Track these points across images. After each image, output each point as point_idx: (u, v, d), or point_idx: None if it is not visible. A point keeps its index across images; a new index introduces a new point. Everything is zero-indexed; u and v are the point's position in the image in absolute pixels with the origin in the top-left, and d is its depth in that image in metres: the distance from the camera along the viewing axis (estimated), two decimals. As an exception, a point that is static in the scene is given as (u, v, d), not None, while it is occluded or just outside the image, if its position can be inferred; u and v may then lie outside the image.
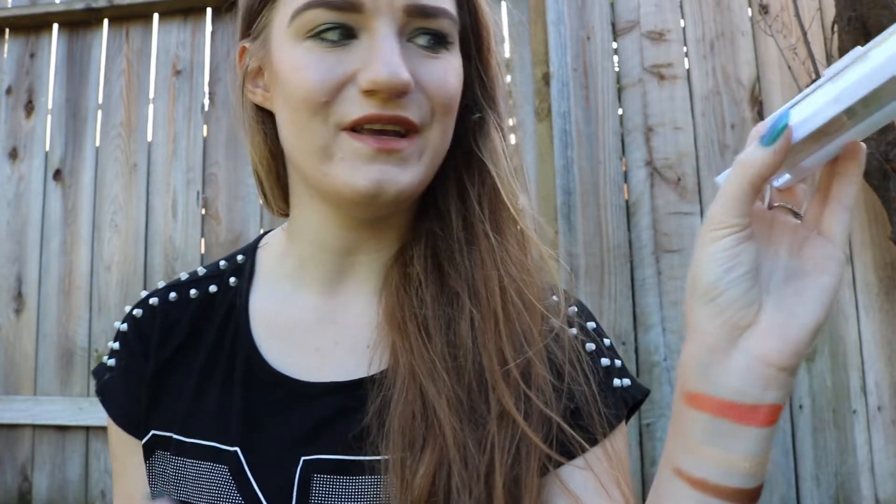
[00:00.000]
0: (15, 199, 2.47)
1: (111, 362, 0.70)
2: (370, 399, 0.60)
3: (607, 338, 0.68)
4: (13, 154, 2.49)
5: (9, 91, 2.52)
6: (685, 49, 2.15)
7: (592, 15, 2.19)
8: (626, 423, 0.66)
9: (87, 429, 2.30)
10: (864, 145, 0.46)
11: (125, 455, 0.68)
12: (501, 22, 2.19)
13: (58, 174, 2.46)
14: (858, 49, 0.42)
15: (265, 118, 0.68)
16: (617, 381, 0.65)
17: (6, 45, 2.55)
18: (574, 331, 0.65)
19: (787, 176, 0.49)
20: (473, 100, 0.66)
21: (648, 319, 2.06)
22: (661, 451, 0.52)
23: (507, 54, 2.22)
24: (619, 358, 0.68)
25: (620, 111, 2.17)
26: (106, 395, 0.70)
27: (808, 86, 0.45)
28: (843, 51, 1.86)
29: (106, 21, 2.50)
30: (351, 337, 0.65)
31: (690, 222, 2.07)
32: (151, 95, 2.45)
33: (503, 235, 0.65)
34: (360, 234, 0.66)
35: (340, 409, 0.61)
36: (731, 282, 0.45)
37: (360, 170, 0.58)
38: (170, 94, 2.44)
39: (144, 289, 0.75)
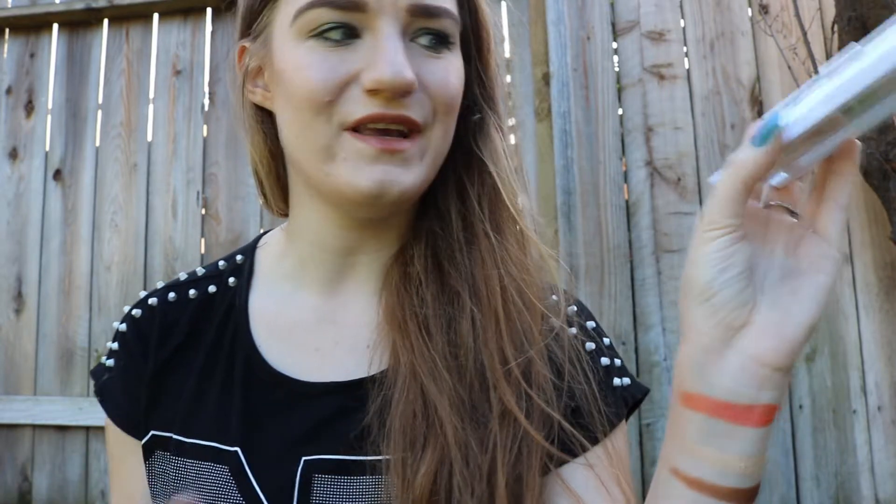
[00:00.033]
0: (15, 199, 2.47)
1: (110, 363, 0.70)
2: (371, 399, 0.60)
3: (607, 337, 0.68)
4: (13, 154, 2.49)
5: (9, 91, 2.52)
6: (685, 49, 2.15)
7: (592, 15, 2.19)
8: (626, 422, 0.66)
9: (87, 429, 2.30)
10: (858, 143, 0.46)
11: (124, 455, 0.68)
12: (501, 22, 2.19)
13: (58, 174, 2.46)
14: (855, 46, 0.42)
15: (265, 118, 0.68)
16: (617, 381, 0.65)
17: (6, 45, 2.55)
18: (574, 330, 0.65)
19: (783, 174, 0.48)
20: (473, 100, 0.66)
21: (648, 319, 2.06)
22: (660, 451, 0.53)
23: (507, 54, 2.22)
24: (618, 357, 0.68)
25: (620, 111, 2.17)
26: (105, 395, 0.70)
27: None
28: (843, 51, 1.86)
29: (106, 21, 2.50)
30: (351, 337, 0.65)
31: (690, 222, 2.07)
32: (151, 95, 2.46)
33: (503, 235, 0.65)
34: (360, 234, 0.66)
35: (341, 409, 0.61)
36: (725, 282, 0.45)
37: (363, 170, 0.58)
38: (170, 94, 2.44)
39: (144, 289, 0.75)
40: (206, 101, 2.42)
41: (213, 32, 2.45)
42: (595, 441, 0.61)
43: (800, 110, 0.44)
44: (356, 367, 0.63)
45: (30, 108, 2.51)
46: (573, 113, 2.13)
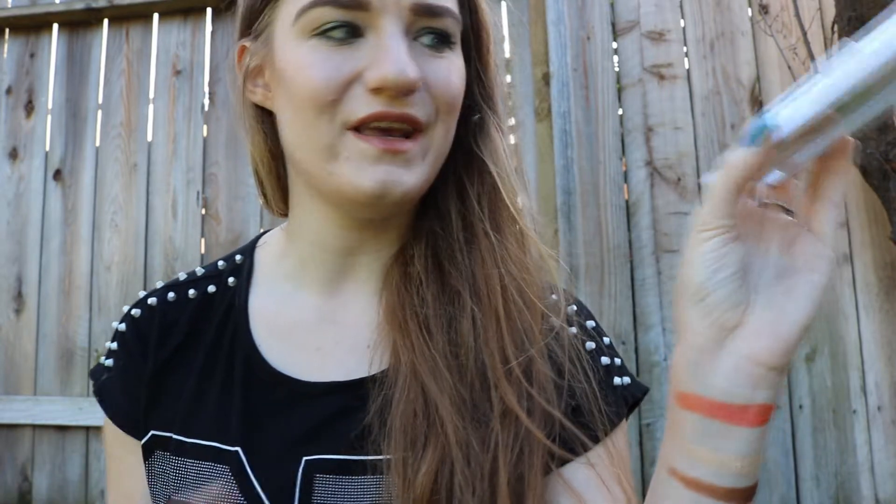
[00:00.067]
0: (15, 199, 2.47)
1: (109, 362, 0.70)
2: (371, 398, 0.60)
3: (606, 336, 0.68)
4: (13, 154, 2.49)
5: (9, 91, 2.52)
6: (685, 49, 2.15)
7: (592, 15, 2.19)
8: (626, 421, 0.66)
9: (87, 429, 2.30)
10: (852, 141, 0.46)
11: (123, 455, 0.68)
12: (501, 22, 2.19)
13: (58, 174, 2.46)
14: (851, 44, 0.42)
15: (265, 118, 0.68)
16: (617, 380, 0.65)
17: (6, 45, 2.55)
18: (574, 329, 0.65)
19: (778, 172, 0.49)
20: (473, 100, 0.66)
21: (648, 319, 2.06)
22: (659, 451, 0.53)
23: (507, 54, 2.22)
24: (618, 356, 0.68)
25: (620, 111, 2.17)
26: (104, 395, 0.69)
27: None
28: (843, 51, 1.86)
29: (106, 21, 2.50)
30: (351, 337, 0.65)
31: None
32: (151, 95, 2.46)
33: (503, 234, 0.65)
34: (361, 234, 0.66)
35: (342, 409, 0.61)
36: (719, 283, 0.45)
37: (365, 171, 0.58)
38: (170, 94, 2.44)
39: (144, 289, 0.74)
40: (206, 101, 2.42)
41: (213, 32, 2.45)
42: (596, 440, 0.61)
43: (793, 108, 0.44)
44: (357, 366, 0.63)
45: (30, 108, 2.51)
46: (573, 113, 2.13)
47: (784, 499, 1.96)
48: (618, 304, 2.07)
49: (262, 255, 0.73)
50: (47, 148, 2.48)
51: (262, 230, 0.78)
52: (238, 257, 0.73)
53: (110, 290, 2.38)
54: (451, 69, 0.61)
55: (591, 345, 0.65)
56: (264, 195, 0.74)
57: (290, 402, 0.63)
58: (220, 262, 0.73)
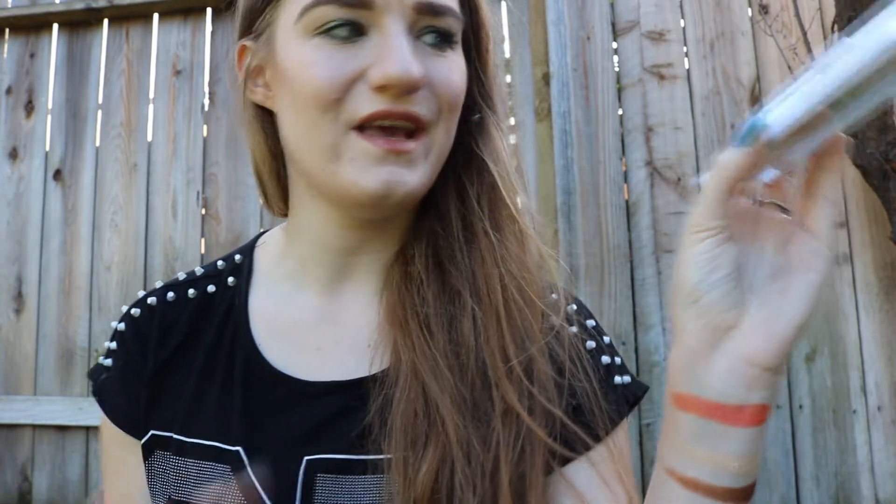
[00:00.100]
0: (15, 199, 2.47)
1: (108, 362, 0.70)
2: (372, 398, 0.60)
3: (606, 336, 0.69)
4: (13, 154, 2.49)
5: (9, 91, 2.52)
6: (685, 49, 2.15)
7: (592, 15, 2.19)
8: (627, 419, 0.66)
9: (87, 429, 2.30)
10: (846, 138, 0.46)
11: (123, 455, 0.68)
12: (501, 22, 2.19)
13: (58, 174, 2.46)
14: (844, 39, 0.42)
15: (266, 117, 0.68)
16: (618, 379, 0.65)
17: (6, 45, 2.55)
18: (574, 328, 0.65)
19: (773, 171, 0.48)
20: (472, 100, 0.66)
21: (648, 319, 2.06)
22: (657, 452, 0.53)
23: (507, 54, 2.22)
24: (618, 355, 0.68)
25: (620, 111, 2.17)
26: (103, 395, 0.69)
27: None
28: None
29: (106, 21, 2.50)
30: (352, 336, 0.65)
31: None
32: (151, 95, 2.46)
33: (502, 233, 0.65)
34: (362, 234, 0.66)
35: (342, 409, 0.61)
36: (713, 284, 0.45)
37: (369, 171, 0.58)
38: (170, 94, 2.44)
39: (144, 289, 0.74)
40: (206, 101, 2.42)
41: (213, 32, 2.45)
42: (597, 439, 0.61)
43: (785, 107, 0.43)
44: (357, 366, 0.63)
45: (30, 108, 2.51)
46: (573, 113, 2.13)
47: (784, 499, 1.96)
48: (618, 304, 2.07)
49: (261, 255, 0.73)
50: (47, 148, 2.48)
51: (261, 230, 0.78)
52: (237, 257, 0.73)
53: (110, 290, 2.38)
54: (452, 68, 0.61)
55: (591, 344, 0.65)
56: (265, 195, 0.74)
57: (291, 401, 0.63)
58: (220, 262, 0.73)
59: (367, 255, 0.67)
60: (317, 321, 0.67)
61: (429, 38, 0.60)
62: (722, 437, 0.46)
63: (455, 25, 0.61)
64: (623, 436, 0.64)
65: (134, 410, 0.67)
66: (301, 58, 0.59)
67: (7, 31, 2.54)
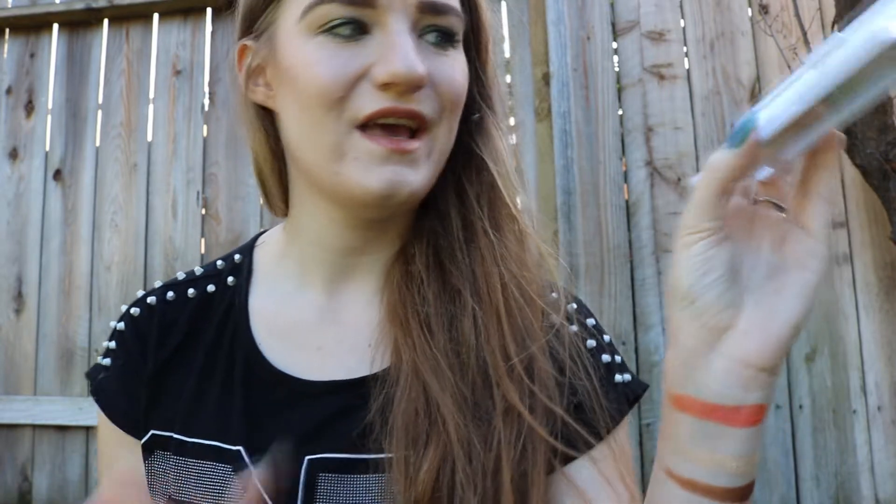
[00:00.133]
0: (15, 199, 2.47)
1: (106, 361, 0.70)
2: (373, 397, 0.60)
3: (606, 334, 0.69)
4: (13, 154, 2.49)
5: (9, 91, 2.52)
6: (685, 49, 2.16)
7: (592, 15, 2.19)
8: (628, 418, 0.66)
9: (87, 429, 2.30)
10: (840, 135, 0.45)
11: (124, 456, 0.67)
12: (501, 22, 2.19)
13: (58, 174, 2.46)
14: (836, 34, 0.41)
15: (267, 117, 0.68)
16: (618, 377, 0.65)
17: (6, 45, 2.55)
18: (574, 327, 0.65)
19: (768, 169, 0.48)
20: (472, 99, 0.66)
21: (648, 319, 2.06)
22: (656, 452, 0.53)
23: (507, 54, 2.22)
24: (618, 354, 0.68)
25: (620, 111, 2.17)
26: (101, 394, 0.69)
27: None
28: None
29: (106, 21, 2.50)
30: (352, 336, 0.65)
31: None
32: (151, 95, 2.46)
33: (502, 232, 0.65)
34: (364, 233, 0.66)
35: (343, 408, 0.61)
36: (707, 286, 0.45)
37: (373, 171, 0.58)
38: (170, 94, 2.44)
39: (144, 289, 0.74)
40: (206, 101, 2.42)
41: (213, 32, 2.45)
42: (599, 437, 0.61)
43: (778, 105, 0.43)
44: (358, 365, 0.63)
45: (30, 108, 2.51)
46: (573, 113, 2.13)
47: (784, 499, 1.96)
48: (618, 304, 2.07)
49: (261, 255, 0.73)
50: (47, 148, 2.48)
51: (261, 230, 0.78)
52: (237, 257, 0.73)
53: (110, 290, 2.38)
54: (455, 67, 0.61)
55: (591, 342, 0.66)
56: (266, 195, 0.74)
57: (292, 401, 0.63)
58: (219, 262, 0.73)
59: (369, 255, 0.67)
60: (317, 320, 0.67)
61: (431, 36, 0.60)
62: (719, 437, 0.46)
63: (457, 24, 0.61)
64: (624, 434, 0.64)
65: (133, 410, 0.67)
66: (304, 56, 0.59)
67: (7, 31, 2.54)
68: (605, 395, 0.62)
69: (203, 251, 2.35)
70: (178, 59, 2.45)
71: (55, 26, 2.52)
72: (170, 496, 0.62)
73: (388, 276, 0.66)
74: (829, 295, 1.98)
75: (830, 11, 1.97)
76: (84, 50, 2.50)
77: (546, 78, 2.16)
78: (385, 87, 0.57)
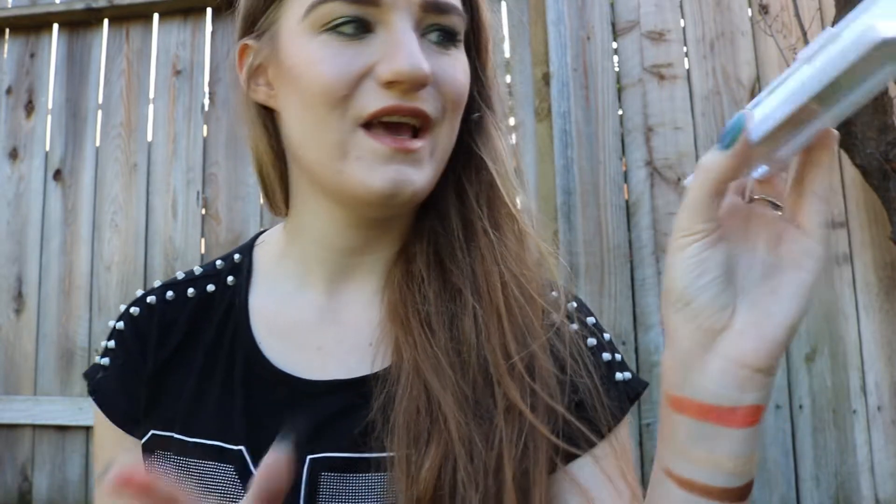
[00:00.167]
0: (15, 199, 2.47)
1: (105, 361, 0.70)
2: (374, 396, 0.60)
3: (607, 333, 0.69)
4: (13, 154, 2.49)
5: (9, 91, 2.52)
6: (685, 49, 2.16)
7: (592, 15, 2.19)
8: (628, 416, 0.66)
9: (87, 429, 2.30)
10: (836, 132, 0.45)
11: (124, 455, 0.67)
12: (501, 22, 2.19)
13: (58, 174, 2.46)
14: (829, 30, 0.41)
15: (268, 116, 0.67)
16: (619, 375, 0.66)
17: (6, 45, 2.55)
18: (575, 326, 0.65)
19: (763, 167, 0.47)
20: (472, 99, 0.67)
21: (648, 319, 2.06)
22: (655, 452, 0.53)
23: (507, 54, 2.22)
24: (618, 352, 0.68)
25: (620, 111, 2.17)
26: (100, 393, 0.69)
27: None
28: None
29: (106, 21, 2.50)
30: (353, 335, 0.65)
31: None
32: (151, 95, 2.46)
33: (501, 232, 0.65)
34: (366, 233, 0.66)
35: (344, 407, 0.61)
36: (701, 287, 0.45)
37: (376, 170, 0.58)
38: (170, 94, 2.44)
39: (144, 289, 0.74)
40: (206, 101, 2.42)
41: (213, 32, 2.45)
42: (600, 435, 0.61)
43: (770, 104, 0.43)
44: (359, 364, 0.63)
45: (30, 108, 2.51)
46: (573, 113, 2.13)
47: (784, 499, 1.96)
48: (618, 304, 2.07)
49: (261, 254, 0.73)
50: (47, 148, 2.48)
51: (261, 230, 0.78)
52: (237, 256, 0.73)
53: (110, 290, 2.38)
54: (457, 66, 0.61)
55: (592, 341, 0.66)
56: (267, 195, 0.74)
57: (293, 400, 0.63)
58: (219, 262, 0.73)
59: (370, 255, 0.67)
60: (318, 320, 0.67)
61: (434, 36, 0.60)
62: (716, 438, 0.46)
63: (459, 24, 0.61)
64: (625, 432, 0.64)
65: (133, 409, 0.67)
66: (308, 55, 0.59)
67: (7, 31, 2.54)
68: (606, 392, 0.62)
69: (203, 251, 2.36)
70: (178, 59, 2.45)
71: (55, 26, 2.52)
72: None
73: (389, 276, 0.66)
74: (828, 295, 1.98)
75: (830, 11, 1.97)
76: (84, 50, 2.50)
77: (546, 78, 2.16)
78: (389, 85, 0.57)
